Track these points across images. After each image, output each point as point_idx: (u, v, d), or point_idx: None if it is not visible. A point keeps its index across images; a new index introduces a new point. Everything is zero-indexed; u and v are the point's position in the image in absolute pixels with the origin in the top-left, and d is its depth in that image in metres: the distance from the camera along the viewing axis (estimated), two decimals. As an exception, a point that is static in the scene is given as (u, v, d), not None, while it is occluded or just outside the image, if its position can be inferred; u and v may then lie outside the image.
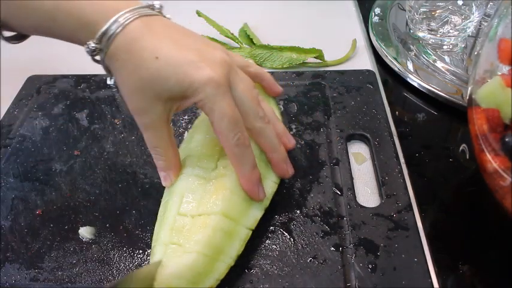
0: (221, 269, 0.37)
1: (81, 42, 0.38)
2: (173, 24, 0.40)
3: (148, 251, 0.42)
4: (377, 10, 0.69)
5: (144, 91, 0.37)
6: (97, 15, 0.37)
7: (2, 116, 0.57)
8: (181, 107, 0.39)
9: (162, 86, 0.36)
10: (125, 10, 0.37)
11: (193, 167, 0.42)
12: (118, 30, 0.36)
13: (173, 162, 0.41)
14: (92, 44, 0.37)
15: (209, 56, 0.37)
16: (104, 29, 0.36)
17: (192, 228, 0.37)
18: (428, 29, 0.62)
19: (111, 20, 0.36)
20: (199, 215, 0.38)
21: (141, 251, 0.42)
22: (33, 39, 0.73)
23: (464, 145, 0.51)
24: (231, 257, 0.38)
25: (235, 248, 0.38)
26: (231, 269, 0.40)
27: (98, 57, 0.39)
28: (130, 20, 0.37)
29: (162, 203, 0.42)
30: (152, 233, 0.43)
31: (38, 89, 0.60)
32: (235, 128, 0.37)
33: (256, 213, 0.41)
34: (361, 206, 0.44)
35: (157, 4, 0.41)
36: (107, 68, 0.39)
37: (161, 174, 0.41)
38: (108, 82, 0.40)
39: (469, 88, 0.42)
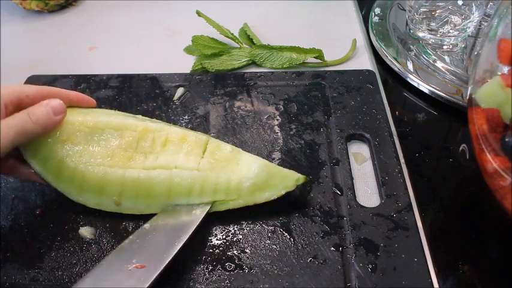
0: None
1: None
2: None
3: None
4: (377, 10, 0.69)
5: None
6: None
7: (2, 116, 0.57)
8: None
9: None
10: None
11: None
12: None
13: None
14: None
15: None
16: None
17: None
18: (428, 29, 0.62)
19: None
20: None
21: (141, 251, 0.42)
22: (33, 39, 0.73)
23: (464, 145, 0.51)
24: None
25: None
26: (231, 269, 0.40)
27: None
28: None
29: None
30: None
31: (38, 89, 0.60)
32: None
33: None
34: (361, 206, 0.44)
35: None
36: None
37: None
38: None
39: (469, 88, 0.42)
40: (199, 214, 0.42)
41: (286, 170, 0.44)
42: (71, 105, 0.46)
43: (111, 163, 0.44)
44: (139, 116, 0.49)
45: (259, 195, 0.43)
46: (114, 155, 0.44)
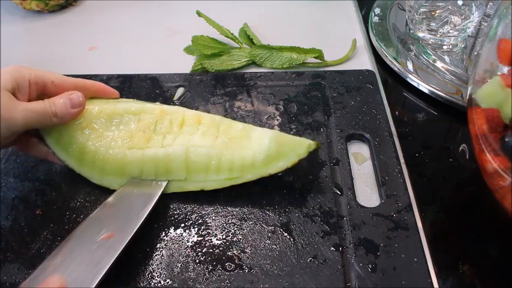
0: None
1: None
2: None
3: (148, 251, 0.42)
4: (377, 10, 0.69)
5: None
6: None
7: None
8: None
9: None
10: None
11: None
12: None
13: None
14: None
15: None
16: None
17: None
18: (428, 29, 0.62)
19: None
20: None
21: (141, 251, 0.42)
22: (33, 39, 0.73)
23: (464, 145, 0.51)
24: None
25: None
26: (231, 269, 0.40)
27: None
28: None
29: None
30: (152, 234, 0.43)
31: (38, 89, 0.60)
32: None
33: None
34: (361, 206, 0.44)
35: None
36: None
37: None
38: None
39: (469, 88, 0.42)
40: (161, 184, 0.45)
41: (297, 138, 0.45)
42: (96, 96, 0.48)
43: (131, 145, 0.46)
44: (157, 103, 0.50)
45: (274, 166, 0.44)
46: (133, 137, 0.46)
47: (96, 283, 0.35)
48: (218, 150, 0.45)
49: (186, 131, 0.47)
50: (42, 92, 0.45)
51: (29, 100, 0.44)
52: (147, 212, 0.42)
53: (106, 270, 0.36)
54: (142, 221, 0.41)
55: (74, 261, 0.37)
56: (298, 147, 0.44)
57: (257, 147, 0.45)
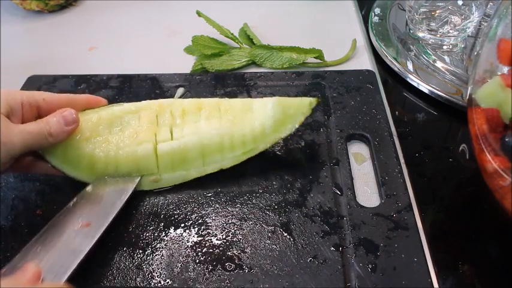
0: None
1: None
2: None
3: (148, 251, 0.42)
4: (377, 10, 0.69)
5: None
6: None
7: (2, 116, 0.57)
8: None
9: None
10: None
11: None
12: None
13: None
14: None
15: None
16: None
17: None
18: (428, 29, 0.62)
19: None
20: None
21: (141, 251, 0.42)
22: (33, 39, 0.73)
23: (464, 145, 0.51)
24: None
25: None
26: (231, 269, 0.40)
27: None
28: None
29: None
30: (152, 234, 0.43)
31: (39, 89, 0.60)
32: None
33: None
34: (361, 206, 0.44)
35: None
36: None
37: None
38: None
39: (469, 88, 0.42)
40: (135, 178, 0.46)
41: (298, 99, 0.47)
42: (87, 107, 0.48)
43: (138, 141, 0.46)
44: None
45: (283, 129, 0.46)
46: (139, 134, 0.46)
47: (73, 269, 0.37)
48: (227, 130, 0.46)
49: (190, 119, 0.48)
50: (36, 112, 0.44)
51: (22, 122, 0.43)
52: (123, 202, 0.43)
53: (83, 257, 0.38)
54: (118, 210, 0.42)
55: (51, 249, 0.39)
56: (301, 106, 0.46)
57: (263, 116, 0.46)
